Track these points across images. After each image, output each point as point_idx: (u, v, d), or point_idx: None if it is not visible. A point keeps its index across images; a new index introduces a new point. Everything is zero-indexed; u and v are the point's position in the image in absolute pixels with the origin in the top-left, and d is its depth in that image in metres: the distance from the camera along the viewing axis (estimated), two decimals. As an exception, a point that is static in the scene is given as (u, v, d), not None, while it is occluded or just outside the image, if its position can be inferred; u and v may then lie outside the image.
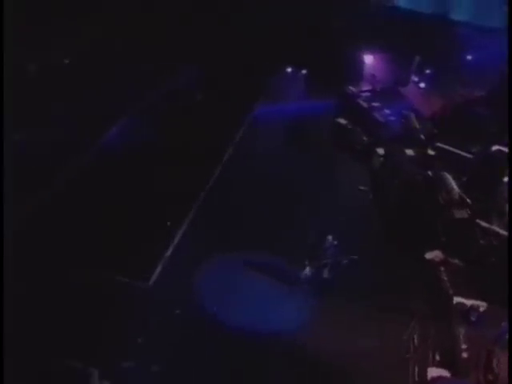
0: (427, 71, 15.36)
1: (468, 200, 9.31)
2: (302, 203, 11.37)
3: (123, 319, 8.32)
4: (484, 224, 8.99)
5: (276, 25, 16.98)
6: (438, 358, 7.28)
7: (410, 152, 11.35)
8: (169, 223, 10.02)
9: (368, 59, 16.34)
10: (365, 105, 13.35)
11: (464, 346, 7.63)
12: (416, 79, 15.22)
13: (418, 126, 11.83)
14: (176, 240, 10.04)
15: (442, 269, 9.09)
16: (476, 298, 8.37)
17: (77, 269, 8.85)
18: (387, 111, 13.00)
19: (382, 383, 7.56)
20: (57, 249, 9.15)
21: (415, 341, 8.03)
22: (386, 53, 16.33)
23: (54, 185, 10.97)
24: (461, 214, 9.07)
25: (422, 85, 15.14)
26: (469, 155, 10.83)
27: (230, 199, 11.31)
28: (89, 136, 12.53)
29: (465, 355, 7.53)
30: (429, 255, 9.32)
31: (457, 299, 8.32)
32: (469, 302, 8.10)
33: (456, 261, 9.23)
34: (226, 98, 14.79)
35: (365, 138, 12.45)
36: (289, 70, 16.48)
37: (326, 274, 9.17)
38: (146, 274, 9.19)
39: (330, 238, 9.30)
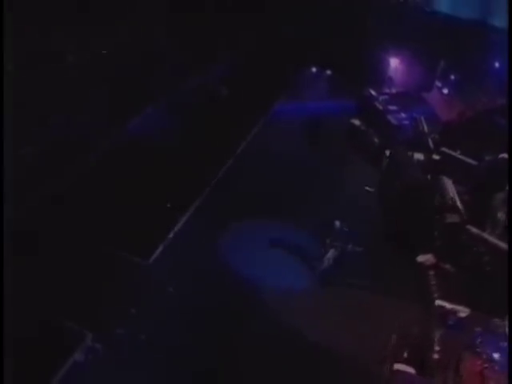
0: (452, 77, 15.24)
1: (461, 206, 9.33)
2: (308, 200, 11.71)
3: (121, 290, 9.04)
4: (474, 230, 9.01)
5: (304, 25, 17.42)
6: (405, 355, 7.45)
7: (418, 155, 11.42)
8: (168, 205, 10.62)
9: (394, 62, 16.43)
10: (381, 107, 13.47)
11: (437, 348, 7.75)
12: (439, 84, 15.13)
13: (426, 131, 11.85)
14: (180, 224, 10.69)
15: (432, 272, 9.20)
16: (460, 304, 8.42)
17: (84, 241, 9.68)
18: (403, 115, 13.05)
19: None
20: (69, 223, 10.04)
21: (393, 338, 8.23)
22: (413, 57, 16.35)
23: (77, 165, 11.90)
24: (452, 218, 9.12)
25: (445, 90, 15.04)
26: (473, 162, 10.78)
27: (238, 189, 11.84)
28: (115, 123, 13.44)
29: (436, 356, 7.65)
30: (421, 258, 9.46)
31: (438, 302, 8.41)
32: (449, 306, 8.18)
33: (447, 266, 9.31)
34: (250, 94, 15.37)
35: (376, 140, 12.60)
36: (313, 69, 16.88)
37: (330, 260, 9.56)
38: (147, 253, 9.91)
39: (337, 223, 9.61)
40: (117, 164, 12.01)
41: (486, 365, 6.97)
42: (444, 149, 11.24)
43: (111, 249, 9.75)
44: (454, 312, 8.03)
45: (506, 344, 6.99)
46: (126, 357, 7.98)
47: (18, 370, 7.17)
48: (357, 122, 13.25)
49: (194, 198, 11.38)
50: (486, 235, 8.97)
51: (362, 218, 10.70)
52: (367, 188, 11.91)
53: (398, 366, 7.33)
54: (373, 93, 14.21)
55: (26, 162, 11.02)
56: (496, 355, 6.96)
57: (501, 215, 9.10)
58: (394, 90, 15.11)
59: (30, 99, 12.23)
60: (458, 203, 9.35)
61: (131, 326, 8.44)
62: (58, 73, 13.47)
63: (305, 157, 13.02)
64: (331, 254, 9.55)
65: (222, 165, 12.44)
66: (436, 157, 11.05)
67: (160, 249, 10.04)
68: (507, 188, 9.25)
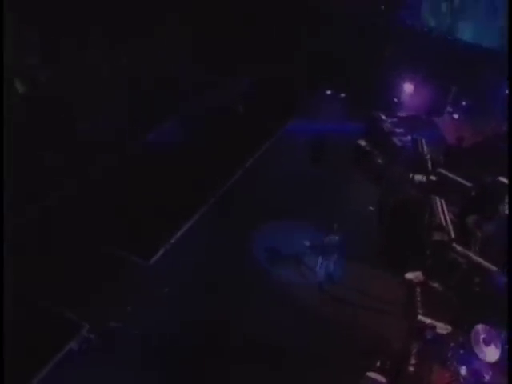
0: (463, 103, 15.47)
1: (449, 224, 9.53)
2: (308, 214, 12.09)
3: (120, 288, 9.70)
4: (459, 248, 9.17)
5: (322, 48, 18.10)
6: (378, 364, 7.68)
7: (418, 177, 11.69)
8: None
9: (408, 87, 16.82)
10: (387, 129, 13.83)
11: (413, 361, 7.95)
12: (450, 110, 15.38)
13: (425, 152, 12.12)
14: (182, 231, 11.32)
15: (418, 289, 9.37)
16: (443, 321, 8.58)
17: (93, 240, 10.45)
18: (408, 137, 13.36)
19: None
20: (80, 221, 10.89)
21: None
22: (427, 82, 16.69)
23: (95, 168, 12.80)
24: (438, 236, 9.33)
25: (456, 116, 15.27)
26: (468, 184, 10.96)
27: (242, 200, 12.43)
28: (136, 132, 14.41)
29: (411, 369, 7.85)
30: (409, 275, 9.64)
31: (420, 317, 8.61)
32: (428, 321, 8.36)
33: (436, 285, 9.47)
34: (265, 112, 16.10)
35: (380, 161, 12.94)
36: (328, 92, 17.45)
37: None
38: (148, 254, 10.58)
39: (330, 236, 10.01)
40: (132, 170, 12.91)
41: (453, 377, 7.11)
42: (441, 170, 11.47)
43: (116, 249, 10.51)
44: (433, 327, 8.18)
45: (473, 358, 7.13)
46: (117, 348, 8.59)
47: (17, 352, 7.90)
48: (363, 143, 13.66)
49: (199, 206, 12.06)
50: (470, 253, 9.12)
51: (359, 233, 11.06)
52: (370, 208, 12.19)
53: (370, 374, 7.57)
54: (382, 115, 14.60)
55: (46, 164, 12.07)
56: (463, 369, 7.09)
57: (479, 233, 9.29)
58: (404, 114, 15.46)
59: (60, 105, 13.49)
60: (446, 222, 9.56)
61: (125, 320, 9.07)
62: (91, 83, 14.66)
63: (310, 174, 13.46)
64: (322, 266, 9.90)
65: (229, 177, 13.10)
66: (433, 177, 11.29)
67: (161, 252, 10.72)
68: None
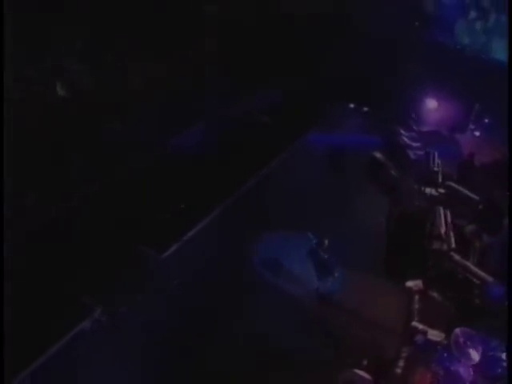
0: (485, 120, 15.51)
1: (450, 234, 9.72)
2: (318, 222, 12.46)
3: (132, 277, 10.47)
4: (456, 257, 9.33)
5: (346, 62, 18.59)
6: (365, 362, 8.00)
7: (428, 189, 11.92)
8: (182, 206, 12.06)
9: (432, 103, 17.02)
10: (403, 142, 14.12)
11: (401, 364, 8.21)
12: (473, 127, 15.47)
13: (436, 164, 12.33)
14: (195, 230, 12.02)
15: (417, 297, 9.60)
16: (438, 329, 8.77)
17: (112, 232, 11.32)
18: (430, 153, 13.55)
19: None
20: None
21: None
22: (451, 98, 16.84)
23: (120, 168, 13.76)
24: (437, 245, 9.53)
25: (477, 133, 15.34)
26: (476, 197, 11.09)
27: (256, 205, 13.01)
28: (161, 137, 15.36)
29: (398, 371, 8.11)
30: (409, 283, 9.89)
31: (414, 323, 8.85)
32: (421, 327, 8.59)
33: (434, 294, 9.67)
34: (288, 123, 16.75)
35: (393, 173, 13.23)
36: (351, 105, 17.88)
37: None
38: (162, 249, 11.34)
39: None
40: (156, 171, 13.73)
41: (434, 379, 7.34)
42: (450, 183, 11.65)
43: (133, 242, 11.33)
44: (424, 332, 8.41)
45: (454, 361, 7.34)
46: (123, 331, 9.32)
47: (35, 329, 8.79)
48: (378, 155, 13.98)
49: (213, 208, 12.74)
50: (467, 263, 9.28)
51: (366, 243, 11.37)
52: (381, 219, 12.46)
53: (356, 371, 7.90)
54: (400, 129, 14.89)
55: (76, 163, 13.14)
56: (444, 370, 7.31)
57: (477, 244, 9.42)
58: (425, 129, 15.67)
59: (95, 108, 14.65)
60: (447, 231, 9.76)
61: (134, 308, 9.80)
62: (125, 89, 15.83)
63: (324, 184, 13.90)
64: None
65: (244, 183, 13.77)
66: (441, 190, 11.49)
67: (173, 248, 11.45)
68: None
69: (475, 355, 7.41)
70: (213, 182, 13.52)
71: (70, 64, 14.44)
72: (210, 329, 9.59)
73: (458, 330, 7.63)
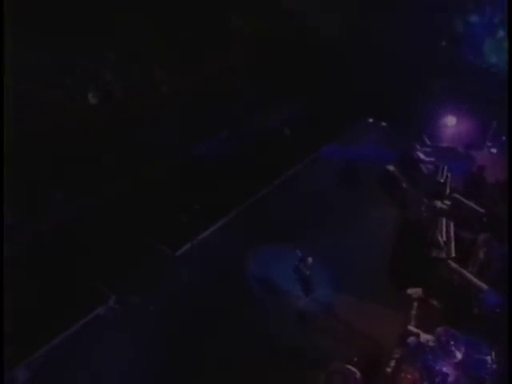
0: (503, 138, 15.69)
1: (450, 243, 10.04)
2: (328, 232, 12.93)
3: (147, 271, 11.28)
4: (453, 265, 9.63)
5: (369, 78, 19.16)
6: (355, 359, 8.44)
7: (437, 203, 12.28)
8: (197, 207, 12.86)
9: (451, 120, 17.34)
10: (417, 157, 14.52)
11: (392, 364, 8.59)
12: (489, 144, 15.69)
13: (445, 178, 12.67)
14: (207, 233, 12.78)
15: (416, 304, 9.95)
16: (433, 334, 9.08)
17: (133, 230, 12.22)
18: (439, 167, 13.92)
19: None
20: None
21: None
22: (470, 116, 17.11)
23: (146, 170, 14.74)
24: (436, 253, 9.87)
25: (494, 150, 15.54)
26: (481, 210, 11.36)
27: (268, 211, 13.70)
28: (186, 143, 16.32)
29: (388, 370, 8.50)
30: (410, 291, 10.24)
31: (410, 327, 9.23)
32: (415, 330, 8.95)
33: (433, 301, 9.99)
34: (308, 136, 17.44)
35: (404, 185, 13.64)
36: (370, 120, 18.38)
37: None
38: (177, 247, 12.14)
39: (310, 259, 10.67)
40: (179, 175, 14.67)
41: (419, 377, 7.71)
42: (457, 195, 11.97)
43: (152, 240, 12.20)
44: (417, 335, 8.77)
45: (439, 359, 7.70)
46: (133, 318, 10.11)
47: (56, 312, 9.71)
48: (391, 168, 14.43)
49: (225, 214, 13.44)
50: (463, 270, 9.57)
51: (372, 253, 11.79)
52: (390, 230, 12.83)
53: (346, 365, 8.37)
54: (416, 144, 15.31)
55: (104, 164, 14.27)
56: (429, 368, 7.67)
57: (481, 254, 9.69)
58: (441, 145, 16.00)
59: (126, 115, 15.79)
60: (448, 241, 10.10)
61: (145, 298, 10.60)
62: (151, 98, 16.95)
63: (337, 195, 14.37)
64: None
65: (258, 191, 14.52)
66: (447, 202, 11.82)
67: (187, 246, 12.25)
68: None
69: (457, 354, 7.72)
70: (230, 187, 14.32)
71: (103, 74, 15.69)
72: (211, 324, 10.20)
73: (440, 329, 7.97)
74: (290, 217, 13.49)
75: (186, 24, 17.90)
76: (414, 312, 9.79)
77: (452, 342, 7.71)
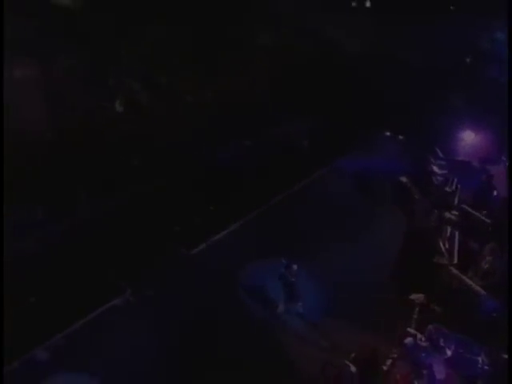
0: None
1: (454, 250, 10.40)
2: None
3: (162, 268, 12.05)
4: (454, 271, 9.96)
5: (390, 94, 19.68)
6: (353, 355, 8.89)
7: (447, 214, 12.66)
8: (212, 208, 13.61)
9: (468, 135, 17.66)
10: (431, 169, 14.92)
11: (388, 363, 8.99)
12: (504, 158, 15.92)
13: (454, 189, 13.03)
14: (222, 234, 13.52)
15: (417, 309, 10.31)
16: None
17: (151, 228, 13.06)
18: (449, 178, 14.30)
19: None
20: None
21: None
22: (487, 130, 17.40)
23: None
24: (438, 259, 10.23)
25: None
26: (488, 220, 11.66)
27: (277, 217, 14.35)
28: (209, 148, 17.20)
29: (385, 368, 8.90)
30: (413, 296, 10.59)
31: (408, 329, 9.60)
32: (413, 332, 9.33)
33: (436, 308, 10.35)
34: (325, 147, 18.08)
35: (416, 196, 14.05)
36: (387, 133, 18.85)
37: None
38: (193, 246, 12.92)
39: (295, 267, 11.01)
40: (196, 179, 15.44)
41: (413, 373, 8.11)
42: (464, 206, 12.31)
43: (168, 240, 12.99)
44: (414, 335, 9.16)
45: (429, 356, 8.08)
46: (147, 311, 10.87)
47: (75, 302, 10.57)
48: (404, 179, 14.88)
49: (239, 219, 14.12)
50: (462, 276, 9.89)
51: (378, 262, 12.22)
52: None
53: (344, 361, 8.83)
54: (430, 157, 15.72)
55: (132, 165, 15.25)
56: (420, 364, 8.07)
57: (484, 263, 10.00)
58: (456, 158, 16.35)
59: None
60: (451, 248, 10.46)
61: (159, 291, 11.37)
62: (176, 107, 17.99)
63: (349, 205, 14.89)
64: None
65: (272, 199, 15.22)
66: (455, 212, 12.18)
67: (202, 247, 13.00)
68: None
69: (447, 351, 8.06)
70: (247, 194, 15.07)
71: (130, 84, 16.81)
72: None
73: (431, 327, 8.35)
74: (301, 224, 14.09)
75: (212, 38, 18.99)
76: (415, 316, 10.16)
77: (442, 339, 8.08)
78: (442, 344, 8.07)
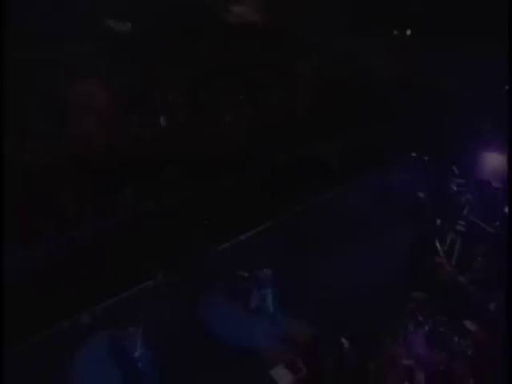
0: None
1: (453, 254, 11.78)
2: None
3: (191, 258, 14.13)
4: (448, 268, 11.27)
5: (420, 117, 21.22)
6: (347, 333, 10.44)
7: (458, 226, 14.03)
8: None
9: (491, 156, 18.80)
10: (448, 186, 16.32)
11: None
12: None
13: (464, 201, 14.38)
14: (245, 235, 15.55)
15: (414, 305, 11.55)
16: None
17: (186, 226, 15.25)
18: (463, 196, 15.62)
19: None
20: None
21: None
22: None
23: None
24: (438, 259, 11.62)
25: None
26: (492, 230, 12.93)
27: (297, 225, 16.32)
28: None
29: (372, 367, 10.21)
30: (413, 294, 11.94)
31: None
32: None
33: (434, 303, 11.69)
34: (354, 164, 19.86)
35: (429, 210, 15.48)
36: (413, 154, 20.28)
37: None
38: (217, 244, 14.95)
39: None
40: (232, 190, 17.58)
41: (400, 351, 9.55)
42: (472, 218, 13.64)
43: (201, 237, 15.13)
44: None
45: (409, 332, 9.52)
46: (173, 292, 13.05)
47: (116, 281, 12.81)
48: (421, 195, 16.36)
49: (262, 223, 16.12)
50: (453, 272, 11.20)
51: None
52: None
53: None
54: (450, 176, 17.10)
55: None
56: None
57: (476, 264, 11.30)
58: (476, 178, 17.58)
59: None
60: (446, 250, 11.85)
61: (184, 278, 13.45)
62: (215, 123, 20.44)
63: (366, 219, 16.52)
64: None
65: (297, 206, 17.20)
66: (462, 222, 13.52)
67: (226, 245, 15.10)
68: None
69: (425, 327, 9.39)
70: (276, 201, 17.06)
71: (174, 101, 19.41)
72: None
73: (411, 304, 9.74)
74: (322, 228, 16.02)
75: (254, 62, 21.47)
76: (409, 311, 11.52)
77: (421, 316, 9.46)
78: (420, 319, 9.46)
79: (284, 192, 17.44)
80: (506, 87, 24.45)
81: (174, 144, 19.25)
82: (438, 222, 13.99)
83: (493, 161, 18.97)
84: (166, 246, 14.36)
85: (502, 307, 9.65)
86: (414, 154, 20.49)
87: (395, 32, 27.14)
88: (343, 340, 10.23)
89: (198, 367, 11.26)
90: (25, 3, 18.62)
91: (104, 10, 20.45)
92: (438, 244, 12.16)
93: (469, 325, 9.59)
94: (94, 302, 12.30)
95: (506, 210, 14.45)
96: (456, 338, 9.43)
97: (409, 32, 27.34)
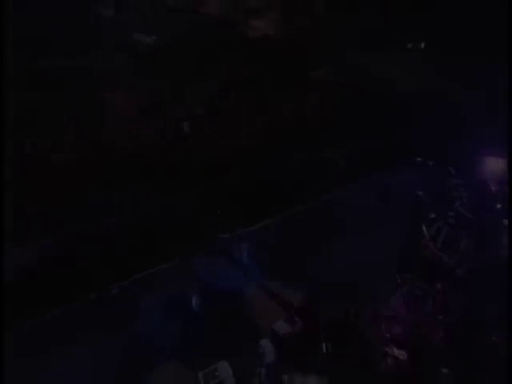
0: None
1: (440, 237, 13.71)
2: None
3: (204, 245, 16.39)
4: (432, 248, 13.18)
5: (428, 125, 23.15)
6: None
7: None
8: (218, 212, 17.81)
9: (491, 160, 20.49)
10: (447, 186, 18.14)
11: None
12: (521, 180, 18.65)
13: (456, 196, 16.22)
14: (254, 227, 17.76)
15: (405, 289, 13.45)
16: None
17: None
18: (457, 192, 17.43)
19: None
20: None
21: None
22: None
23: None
24: (425, 242, 13.52)
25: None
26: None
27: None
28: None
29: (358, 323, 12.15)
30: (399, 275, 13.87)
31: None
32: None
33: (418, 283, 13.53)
34: (360, 167, 21.93)
35: (424, 205, 17.30)
36: (418, 159, 22.14)
37: None
38: (228, 233, 17.16)
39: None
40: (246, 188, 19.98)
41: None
42: (462, 210, 15.47)
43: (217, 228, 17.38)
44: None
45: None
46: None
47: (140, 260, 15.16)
48: (420, 193, 18.21)
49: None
50: (437, 251, 13.05)
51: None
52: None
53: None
54: (450, 177, 18.93)
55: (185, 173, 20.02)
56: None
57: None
58: (473, 178, 19.29)
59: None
60: (434, 235, 13.76)
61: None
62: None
63: (368, 211, 18.61)
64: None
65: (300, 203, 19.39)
66: (451, 213, 15.35)
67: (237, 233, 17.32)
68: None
69: (403, 288, 11.28)
70: (284, 198, 19.29)
71: (195, 109, 21.94)
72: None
73: (397, 275, 11.71)
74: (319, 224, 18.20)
75: (270, 71, 23.89)
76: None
77: (399, 278, 11.44)
78: (399, 281, 11.41)
79: (289, 192, 19.65)
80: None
81: (195, 147, 21.80)
82: (433, 215, 15.80)
83: (492, 164, 20.67)
84: (182, 232, 16.75)
85: (469, 271, 11.50)
86: (418, 159, 22.43)
87: (409, 45, 29.17)
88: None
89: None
90: (55, 14, 21.36)
91: (131, 23, 23.34)
92: (424, 228, 14.03)
93: (439, 286, 11.43)
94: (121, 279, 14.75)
95: (499, 206, 16.19)
96: (430, 301, 11.30)
97: (423, 45, 29.34)
